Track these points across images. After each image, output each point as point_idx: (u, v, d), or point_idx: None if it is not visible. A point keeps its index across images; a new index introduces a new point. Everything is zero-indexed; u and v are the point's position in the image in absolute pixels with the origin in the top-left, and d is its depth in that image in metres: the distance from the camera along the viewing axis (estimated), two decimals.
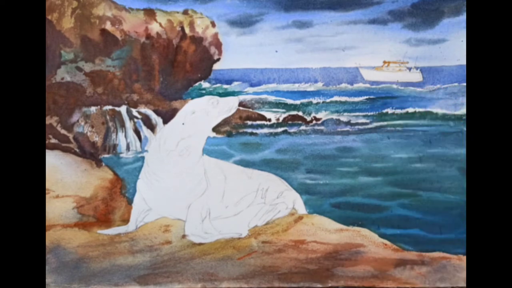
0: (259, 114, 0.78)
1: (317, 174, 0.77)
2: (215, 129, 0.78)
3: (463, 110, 0.76)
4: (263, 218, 0.77)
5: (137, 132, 0.78)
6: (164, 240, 0.77)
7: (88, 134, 0.78)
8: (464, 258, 0.75)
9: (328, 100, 0.77)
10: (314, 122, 0.77)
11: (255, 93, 0.78)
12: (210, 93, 0.78)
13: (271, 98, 0.78)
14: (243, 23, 0.77)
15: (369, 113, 0.76)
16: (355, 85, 0.77)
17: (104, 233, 0.77)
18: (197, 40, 0.78)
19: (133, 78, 0.78)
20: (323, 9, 0.77)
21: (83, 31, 0.78)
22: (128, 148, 0.78)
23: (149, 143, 0.78)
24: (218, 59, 0.78)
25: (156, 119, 0.78)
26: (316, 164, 0.77)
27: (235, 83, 0.78)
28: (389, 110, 0.77)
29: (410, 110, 0.76)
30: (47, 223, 0.77)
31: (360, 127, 0.77)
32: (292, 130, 0.77)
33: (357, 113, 0.77)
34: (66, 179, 0.78)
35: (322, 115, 0.77)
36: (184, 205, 0.77)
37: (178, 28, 0.78)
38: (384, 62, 0.77)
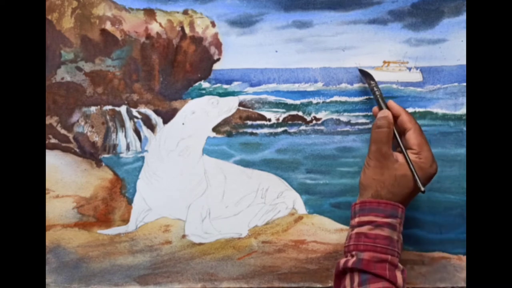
0: (259, 114, 0.78)
1: (317, 174, 0.77)
2: (215, 129, 0.78)
3: (463, 110, 0.76)
4: (263, 218, 0.77)
5: (137, 132, 0.78)
6: (164, 240, 0.77)
7: (88, 134, 0.78)
8: (464, 258, 0.75)
9: (328, 100, 0.77)
10: (314, 122, 0.77)
11: (255, 93, 0.78)
12: (210, 93, 0.78)
13: (271, 98, 0.78)
14: (243, 23, 0.77)
15: (369, 113, 0.76)
16: (355, 85, 0.77)
17: (104, 233, 0.77)
18: (197, 40, 0.78)
19: (133, 78, 0.78)
20: (323, 9, 0.77)
21: (83, 31, 0.78)
22: (128, 148, 0.78)
23: (149, 143, 0.78)
24: (218, 59, 0.78)
25: (156, 119, 0.78)
26: (316, 164, 0.77)
27: (235, 83, 0.78)
28: None
29: (410, 110, 0.76)
30: (47, 223, 0.77)
31: (360, 127, 0.77)
32: (292, 130, 0.77)
33: (357, 113, 0.77)
34: (66, 179, 0.78)
35: (322, 115, 0.77)
36: (184, 205, 0.77)
37: (178, 28, 0.78)
38: (384, 62, 0.77)
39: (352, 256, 0.62)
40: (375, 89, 0.70)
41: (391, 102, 0.68)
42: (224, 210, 0.77)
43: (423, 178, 0.63)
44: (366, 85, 0.73)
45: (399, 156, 0.65)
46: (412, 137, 0.65)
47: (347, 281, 0.61)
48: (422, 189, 0.62)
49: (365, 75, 0.73)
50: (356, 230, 0.63)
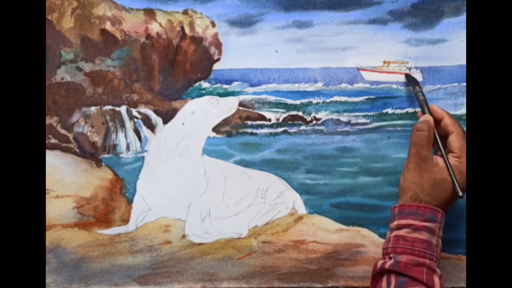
0: (259, 114, 0.78)
1: (317, 174, 0.77)
2: (215, 129, 0.78)
3: (463, 110, 0.76)
4: (263, 218, 0.77)
5: (137, 132, 0.78)
6: (164, 240, 0.77)
7: (88, 134, 0.78)
8: (464, 258, 0.75)
9: (328, 100, 0.77)
10: (314, 122, 0.77)
11: (255, 93, 0.78)
12: (210, 93, 0.78)
13: (271, 98, 0.78)
14: (243, 23, 0.77)
15: (369, 113, 0.76)
16: (355, 85, 0.77)
17: (104, 233, 0.77)
18: (197, 40, 0.78)
19: (133, 78, 0.78)
20: (323, 9, 0.77)
21: (83, 31, 0.78)
22: (128, 148, 0.78)
23: (149, 143, 0.78)
24: (218, 59, 0.78)
25: (156, 119, 0.78)
26: (316, 164, 0.77)
27: (235, 83, 0.78)
28: (389, 110, 0.77)
29: (410, 110, 0.76)
30: (47, 223, 0.77)
31: (360, 127, 0.77)
32: (292, 130, 0.77)
33: (357, 113, 0.77)
34: (66, 179, 0.78)
35: (322, 115, 0.77)
36: (184, 205, 0.77)
37: (178, 28, 0.78)
38: (384, 62, 0.77)
39: (390, 258, 0.62)
40: (420, 94, 0.71)
41: (434, 106, 0.69)
42: (224, 210, 0.77)
43: (462, 183, 0.63)
44: (411, 88, 0.73)
45: (439, 160, 0.65)
46: (454, 140, 0.65)
47: (384, 283, 0.61)
48: (460, 194, 0.62)
49: (411, 81, 0.73)
50: (394, 232, 0.64)
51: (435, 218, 0.62)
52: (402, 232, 0.63)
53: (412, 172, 0.65)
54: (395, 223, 0.64)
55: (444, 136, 0.67)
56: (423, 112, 0.69)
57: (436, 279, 0.60)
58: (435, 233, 0.62)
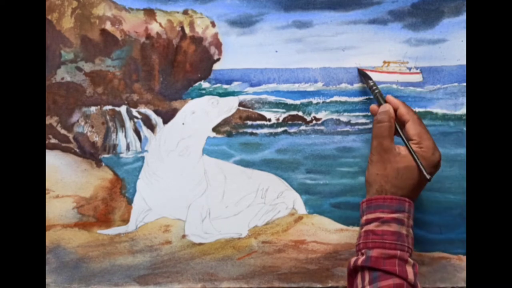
0: (259, 114, 0.78)
1: (317, 174, 0.77)
2: (215, 129, 0.78)
3: (463, 110, 0.76)
4: (263, 218, 0.77)
5: (137, 132, 0.78)
6: (164, 240, 0.77)
7: (88, 134, 0.78)
8: (464, 258, 0.75)
9: (328, 100, 0.77)
10: (314, 122, 0.77)
11: (255, 93, 0.78)
12: (210, 93, 0.78)
13: (271, 98, 0.78)
14: (243, 23, 0.77)
15: (369, 113, 0.76)
16: (355, 85, 0.77)
17: (104, 233, 0.77)
18: (197, 40, 0.78)
19: (133, 78, 0.78)
20: (323, 9, 0.77)
21: (83, 31, 0.78)
22: (128, 148, 0.78)
23: (149, 143, 0.78)
24: (218, 59, 0.78)
25: (156, 119, 0.78)
26: (316, 164, 0.77)
27: (235, 83, 0.78)
28: None
29: None
30: (47, 223, 0.77)
31: (360, 127, 0.77)
32: (292, 130, 0.77)
33: (357, 113, 0.77)
34: (66, 179, 0.78)
35: (322, 115, 0.77)
36: (184, 205, 0.77)
37: (178, 28, 0.78)
38: (384, 62, 0.77)
39: (362, 254, 0.62)
40: (374, 87, 0.71)
41: (389, 97, 0.69)
42: (224, 210, 0.77)
43: (427, 167, 0.63)
44: (365, 85, 0.74)
45: (402, 149, 0.65)
46: (411, 128, 0.65)
47: (359, 279, 0.62)
48: (428, 176, 0.62)
49: (363, 75, 0.74)
50: (364, 228, 0.64)
51: (402, 208, 0.62)
52: (371, 226, 0.63)
53: (376, 164, 0.65)
54: (364, 218, 0.64)
55: (401, 125, 0.67)
56: (380, 105, 0.69)
57: (409, 269, 0.60)
58: (404, 223, 0.62)
